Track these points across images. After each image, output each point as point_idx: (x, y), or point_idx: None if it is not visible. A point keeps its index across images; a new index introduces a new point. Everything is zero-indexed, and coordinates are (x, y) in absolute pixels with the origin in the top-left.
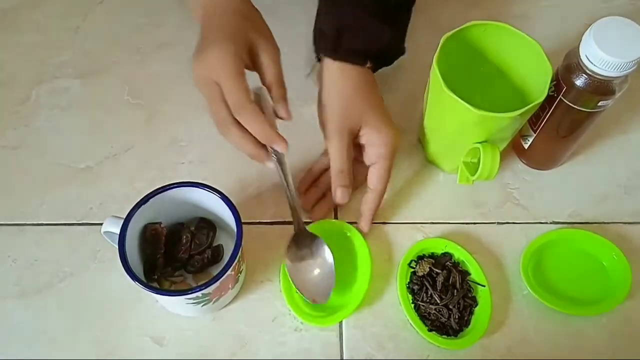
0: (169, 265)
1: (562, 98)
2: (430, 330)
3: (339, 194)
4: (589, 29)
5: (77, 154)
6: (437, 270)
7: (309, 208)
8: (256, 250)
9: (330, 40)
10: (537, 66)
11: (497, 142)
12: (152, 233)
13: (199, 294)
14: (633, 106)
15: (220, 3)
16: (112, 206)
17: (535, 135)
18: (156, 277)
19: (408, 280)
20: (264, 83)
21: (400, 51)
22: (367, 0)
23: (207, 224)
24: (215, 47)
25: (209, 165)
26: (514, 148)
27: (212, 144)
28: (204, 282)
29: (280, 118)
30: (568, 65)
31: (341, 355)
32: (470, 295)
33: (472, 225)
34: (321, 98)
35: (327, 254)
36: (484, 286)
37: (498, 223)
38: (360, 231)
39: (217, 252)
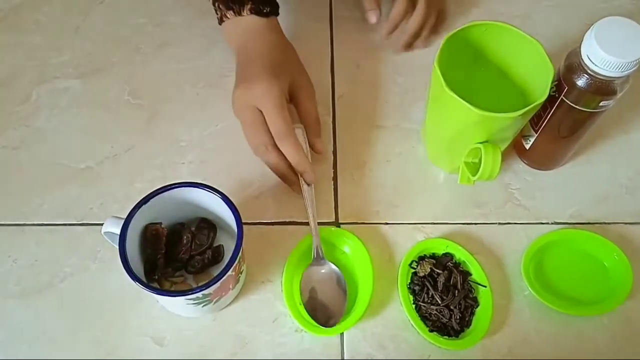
0: (170, 265)
1: (563, 98)
2: (431, 331)
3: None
4: (590, 29)
5: (77, 154)
6: (438, 271)
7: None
8: (257, 251)
9: None
10: (538, 66)
11: (498, 142)
12: (153, 233)
13: (199, 294)
14: (635, 106)
15: (260, 35)
16: (113, 206)
17: (536, 135)
18: (157, 277)
19: (409, 281)
20: (300, 118)
21: None
22: None
23: (207, 225)
24: (262, 79)
25: (209, 166)
26: (515, 148)
27: (213, 144)
28: (204, 282)
29: (317, 152)
30: (569, 66)
31: (342, 355)
32: (471, 296)
33: (473, 225)
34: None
35: (342, 283)
36: (485, 287)
37: (499, 223)
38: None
39: (218, 253)
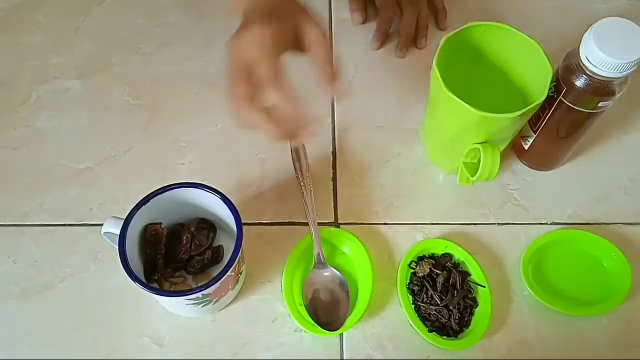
0: (169, 266)
1: (562, 99)
2: (430, 331)
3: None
4: (588, 29)
5: (77, 154)
6: (437, 271)
7: None
8: (256, 251)
9: None
10: (537, 67)
11: (497, 143)
12: (153, 233)
13: (199, 294)
14: (633, 107)
15: None
16: (112, 207)
17: (535, 136)
18: (156, 277)
19: (408, 281)
20: (314, 63)
21: None
22: None
23: (207, 225)
24: (254, 26)
25: (209, 166)
26: (514, 149)
27: (212, 145)
28: (204, 282)
29: (339, 98)
30: (568, 66)
31: (341, 355)
32: (470, 296)
33: (473, 225)
34: None
35: (345, 286)
36: (484, 287)
37: (498, 224)
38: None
39: (217, 253)
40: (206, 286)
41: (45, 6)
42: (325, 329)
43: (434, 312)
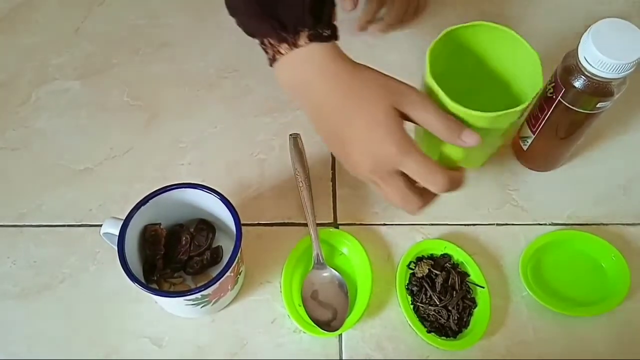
0: (169, 266)
1: (561, 99)
2: (429, 332)
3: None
4: (587, 30)
5: (76, 155)
6: (436, 272)
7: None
8: (255, 252)
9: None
10: (529, 71)
11: (486, 147)
12: (152, 234)
13: (198, 295)
14: (632, 107)
15: (326, 67)
16: (112, 207)
17: (534, 136)
18: (155, 278)
19: (407, 282)
20: (430, 127)
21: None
22: None
23: (206, 225)
24: (364, 139)
25: (208, 167)
26: (513, 149)
27: (212, 146)
28: (203, 283)
29: (471, 144)
30: (567, 67)
31: (340, 356)
32: (469, 297)
33: (471, 226)
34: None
35: (344, 287)
36: (483, 287)
37: (497, 224)
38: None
39: (217, 254)
40: (205, 287)
41: (44, 7)
42: (324, 330)
43: (433, 312)
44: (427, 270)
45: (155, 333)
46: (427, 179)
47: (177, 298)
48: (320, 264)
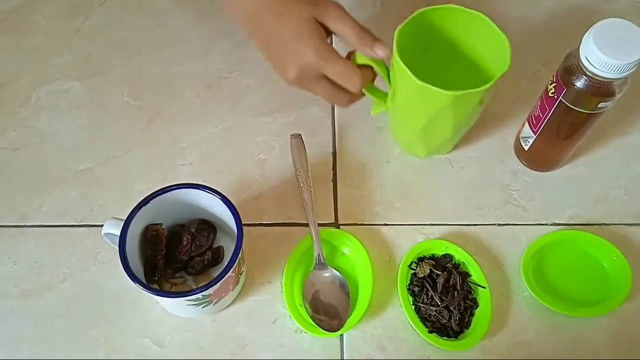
0: (170, 266)
1: (562, 99)
2: (430, 332)
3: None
4: (589, 30)
5: (77, 155)
6: (437, 272)
7: None
8: (257, 252)
9: None
10: (498, 51)
11: (452, 129)
12: (153, 234)
13: (199, 295)
14: (633, 107)
15: None
16: (113, 208)
17: (535, 136)
18: (156, 278)
19: (408, 282)
20: (345, 37)
21: None
22: None
23: (207, 226)
24: (292, 50)
25: (209, 167)
26: (515, 149)
27: (213, 146)
28: (204, 283)
29: (383, 55)
30: (568, 67)
31: (342, 356)
32: (470, 297)
33: (473, 226)
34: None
35: (345, 287)
36: (484, 288)
37: (498, 224)
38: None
39: (218, 254)
40: (206, 287)
41: (45, 7)
42: (325, 330)
43: (435, 313)
44: (429, 271)
45: (157, 333)
46: (346, 80)
47: (178, 298)
48: (321, 264)
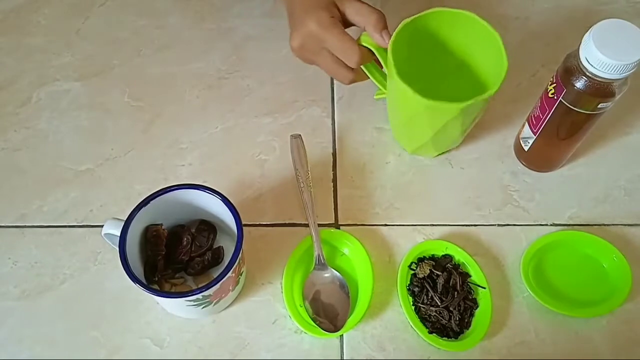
0: (170, 267)
1: (562, 100)
2: (430, 332)
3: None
4: (588, 31)
5: (77, 156)
6: (437, 272)
7: None
8: (257, 252)
9: None
10: (495, 59)
11: (454, 131)
12: (154, 234)
13: (199, 296)
14: (633, 108)
15: None
16: (113, 208)
17: (535, 137)
18: (157, 279)
19: (408, 282)
20: (362, 27)
21: None
22: None
23: (207, 226)
24: (309, 16)
25: (209, 167)
26: (514, 150)
27: (213, 146)
28: (204, 284)
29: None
30: (568, 68)
31: (341, 356)
32: (470, 297)
33: (473, 227)
34: None
35: (345, 288)
36: (484, 288)
37: (498, 225)
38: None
39: (218, 254)
40: (206, 287)
41: (45, 8)
42: (325, 330)
43: (434, 313)
44: (429, 271)
45: (157, 334)
46: (344, 54)
47: (178, 299)
48: (321, 265)
